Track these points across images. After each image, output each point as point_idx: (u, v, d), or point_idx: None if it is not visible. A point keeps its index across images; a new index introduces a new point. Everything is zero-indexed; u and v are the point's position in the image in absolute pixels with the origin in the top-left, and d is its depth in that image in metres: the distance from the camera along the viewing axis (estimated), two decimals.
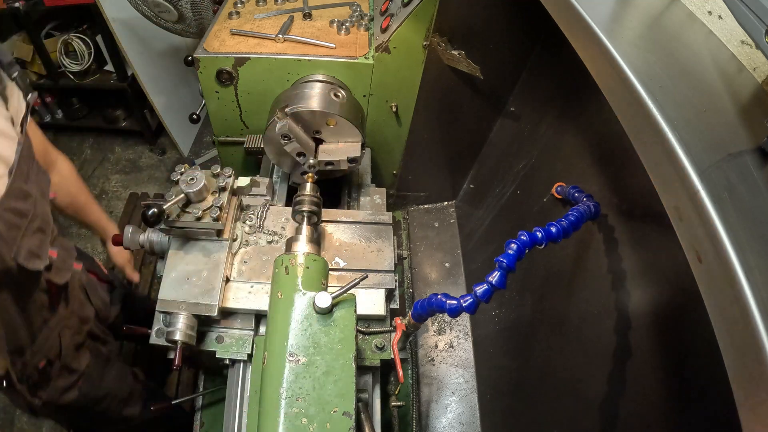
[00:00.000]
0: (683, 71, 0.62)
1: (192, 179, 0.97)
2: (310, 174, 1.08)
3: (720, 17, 0.68)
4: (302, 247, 0.91)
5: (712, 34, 0.69)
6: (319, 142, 1.18)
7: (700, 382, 0.69)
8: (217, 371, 1.27)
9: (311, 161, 1.14)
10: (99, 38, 2.52)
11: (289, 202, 1.18)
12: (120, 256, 1.42)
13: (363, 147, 1.17)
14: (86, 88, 2.71)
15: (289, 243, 0.93)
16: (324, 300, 0.75)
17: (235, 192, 1.07)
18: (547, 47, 1.25)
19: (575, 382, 1.01)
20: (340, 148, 1.15)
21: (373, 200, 1.27)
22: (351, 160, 1.16)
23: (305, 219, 0.97)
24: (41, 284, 0.99)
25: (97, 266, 1.39)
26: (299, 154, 1.16)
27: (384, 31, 1.25)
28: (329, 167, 1.19)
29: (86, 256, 1.36)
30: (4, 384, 0.99)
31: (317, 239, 0.96)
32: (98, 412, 1.26)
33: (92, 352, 1.21)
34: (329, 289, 0.82)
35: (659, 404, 0.77)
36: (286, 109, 1.10)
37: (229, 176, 1.03)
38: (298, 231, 0.95)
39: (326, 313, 0.78)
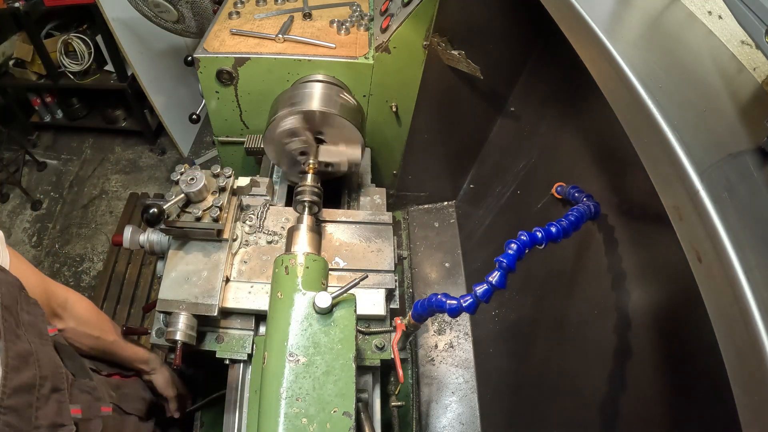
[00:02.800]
0: (683, 71, 0.62)
1: (192, 179, 0.97)
2: (311, 165, 1.08)
3: (720, 17, 0.68)
4: (302, 247, 0.91)
5: (712, 34, 0.69)
6: (320, 142, 1.18)
7: (700, 382, 0.69)
8: (217, 371, 1.27)
9: (311, 161, 1.14)
10: (99, 38, 2.53)
11: (289, 202, 1.18)
12: (163, 382, 1.18)
13: (363, 150, 1.17)
14: (86, 88, 2.72)
15: (290, 243, 0.93)
16: (324, 300, 0.75)
17: (235, 192, 1.07)
18: (547, 47, 1.25)
19: (575, 382, 1.01)
20: (341, 150, 1.15)
21: (373, 200, 1.27)
22: (351, 163, 1.17)
23: (306, 209, 0.97)
24: None
25: (119, 366, 1.17)
26: (302, 153, 1.16)
27: (384, 31, 1.25)
28: (329, 168, 1.20)
29: (107, 365, 1.12)
30: None
31: (318, 229, 0.96)
32: None
33: None
34: (329, 289, 0.82)
35: (659, 404, 0.77)
36: (295, 107, 1.10)
37: (229, 176, 1.03)
38: (299, 220, 0.95)
39: (326, 313, 0.78)
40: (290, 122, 1.11)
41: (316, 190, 1.01)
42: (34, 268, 0.90)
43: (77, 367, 0.90)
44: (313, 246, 0.95)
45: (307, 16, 1.40)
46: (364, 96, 1.34)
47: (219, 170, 1.04)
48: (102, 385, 0.97)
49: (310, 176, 1.04)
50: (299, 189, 1.01)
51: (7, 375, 0.66)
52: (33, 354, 0.73)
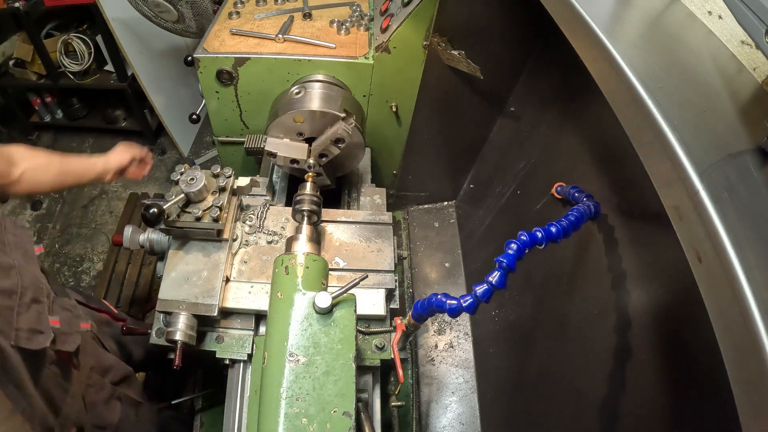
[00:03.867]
0: (683, 71, 0.62)
1: (192, 179, 0.97)
2: (310, 173, 1.08)
3: (720, 17, 0.68)
4: (302, 246, 0.91)
5: (712, 34, 0.69)
6: (310, 141, 1.18)
7: (700, 382, 0.69)
8: (217, 371, 1.27)
9: (311, 161, 1.14)
10: (99, 38, 2.52)
11: (289, 202, 1.18)
12: (115, 159, 1.25)
13: (348, 123, 1.13)
14: (86, 88, 2.71)
15: (289, 242, 0.93)
16: (324, 300, 0.75)
17: (235, 192, 1.07)
18: (547, 47, 1.25)
19: (575, 382, 1.01)
20: (327, 135, 1.14)
21: (373, 200, 1.27)
22: (337, 141, 1.13)
23: (305, 218, 0.97)
24: (50, 357, 0.89)
25: (105, 306, 1.29)
26: (292, 161, 1.16)
27: (384, 31, 1.25)
28: (324, 158, 1.17)
29: (94, 300, 1.27)
30: None
31: (317, 238, 0.96)
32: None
33: (122, 400, 1.13)
34: (329, 289, 0.82)
35: (659, 404, 0.77)
36: (265, 130, 1.14)
37: (229, 176, 1.03)
38: (298, 230, 0.95)
39: (326, 313, 0.78)
40: (267, 145, 1.15)
41: (315, 199, 0.99)
42: None
43: (59, 287, 1.04)
44: (312, 250, 0.95)
45: (307, 16, 1.40)
46: (364, 96, 1.34)
47: (219, 170, 1.04)
48: (86, 313, 1.11)
49: (309, 185, 1.02)
50: (298, 198, 0.99)
51: None
52: (15, 267, 0.84)
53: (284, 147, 1.16)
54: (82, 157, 1.19)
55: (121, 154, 1.25)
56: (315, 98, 1.16)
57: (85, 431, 1.00)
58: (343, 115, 1.10)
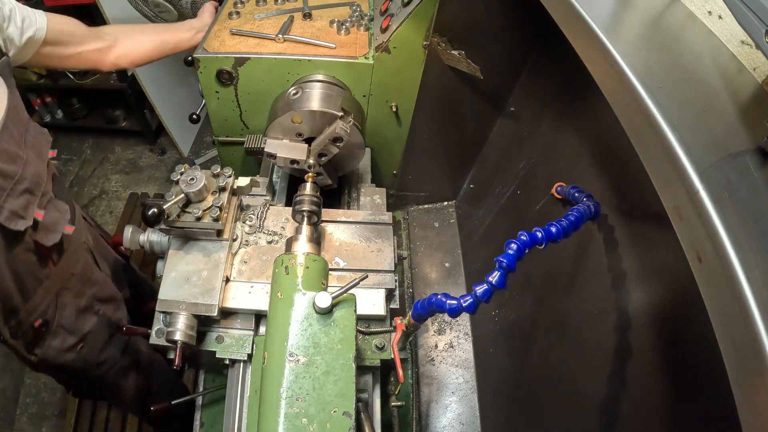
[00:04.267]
0: (683, 71, 0.62)
1: (192, 179, 0.97)
2: (310, 174, 1.08)
3: (720, 17, 0.68)
4: (302, 246, 0.91)
5: (712, 34, 0.69)
6: (310, 141, 1.18)
7: (700, 382, 0.69)
8: (217, 371, 1.27)
9: (311, 161, 1.14)
10: None
11: (289, 202, 1.18)
12: (209, 17, 1.40)
13: (346, 122, 1.13)
14: (86, 88, 2.72)
15: (289, 243, 0.93)
16: (324, 300, 0.75)
17: (235, 192, 1.07)
18: (547, 47, 1.25)
19: (575, 382, 1.01)
20: (326, 134, 1.14)
21: (373, 200, 1.27)
22: (335, 140, 1.12)
23: (305, 219, 0.97)
24: (27, 245, 0.98)
25: (107, 233, 1.40)
26: (292, 162, 1.16)
27: (384, 31, 1.25)
28: (323, 158, 1.17)
29: (95, 224, 1.37)
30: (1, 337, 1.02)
31: (317, 239, 0.96)
32: (96, 376, 1.27)
33: (99, 317, 1.21)
34: (329, 289, 0.82)
35: (659, 404, 0.77)
36: (265, 131, 1.14)
37: (229, 176, 1.03)
38: (298, 231, 0.95)
39: (326, 313, 0.78)
40: (266, 146, 1.15)
41: (315, 199, 0.99)
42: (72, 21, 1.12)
43: (63, 193, 1.15)
44: (312, 250, 0.95)
45: (307, 16, 1.40)
46: (364, 96, 1.34)
47: (219, 170, 1.04)
48: (86, 228, 1.23)
49: (309, 185, 1.02)
50: (298, 198, 0.99)
51: None
52: (22, 159, 0.93)
53: (284, 148, 1.16)
54: (174, 23, 1.33)
55: (211, 11, 1.39)
56: (312, 98, 1.16)
57: (49, 327, 1.10)
58: (341, 114, 1.10)
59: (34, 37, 1.00)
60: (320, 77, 1.26)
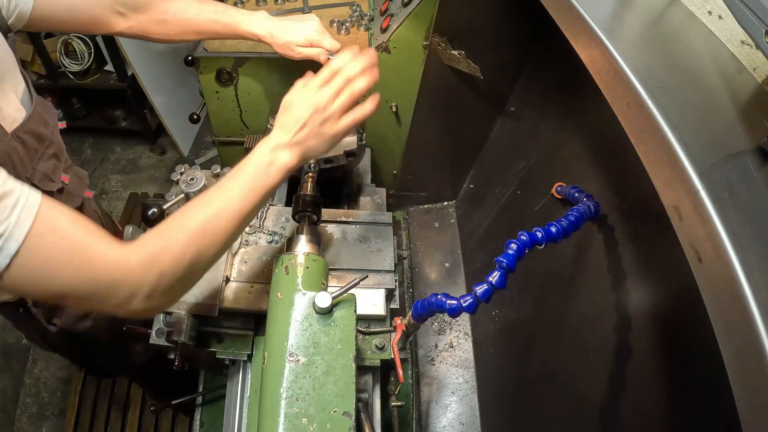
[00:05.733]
0: (683, 71, 0.62)
1: (192, 179, 0.97)
2: (310, 173, 1.08)
3: (720, 17, 0.68)
4: (302, 246, 0.91)
5: (712, 34, 0.69)
6: None
7: (700, 382, 0.69)
8: (217, 371, 1.27)
9: (311, 161, 1.14)
10: (99, 38, 2.52)
11: (289, 202, 1.18)
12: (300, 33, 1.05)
13: (361, 140, 1.14)
14: (86, 88, 2.71)
15: (289, 243, 0.93)
16: (324, 300, 0.75)
17: None
18: (547, 47, 1.25)
19: (575, 382, 1.01)
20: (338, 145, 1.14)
21: (373, 200, 1.27)
22: (348, 154, 1.14)
23: (305, 219, 0.97)
24: None
25: (117, 228, 1.45)
26: None
27: (384, 31, 1.25)
28: (329, 165, 1.18)
29: (107, 216, 1.42)
30: (21, 310, 1.03)
31: (317, 239, 0.96)
32: (108, 345, 1.29)
33: None
34: (329, 289, 0.82)
35: (659, 404, 0.77)
36: (272, 115, 1.11)
37: None
38: (298, 231, 0.95)
39: (326, 313, 0.78)
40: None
41: (315, 199, 0.98)
42: None
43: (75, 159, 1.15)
44: (312, 250, 0.95)
45: None
46: (364, 96, 1.34)
47: (219, 170, 1.04)
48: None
49: (309, 185, 1.02)
50: (298, 198, 1.00)
51: (29, 121, 0.86)
52: (50, 124, 0.95)
53: None
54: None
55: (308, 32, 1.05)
56: None
57: None
58: (362, 130, 1.11)
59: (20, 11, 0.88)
60: None
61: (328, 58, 1.02)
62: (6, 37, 0.87)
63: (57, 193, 1.00)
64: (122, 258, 0.61)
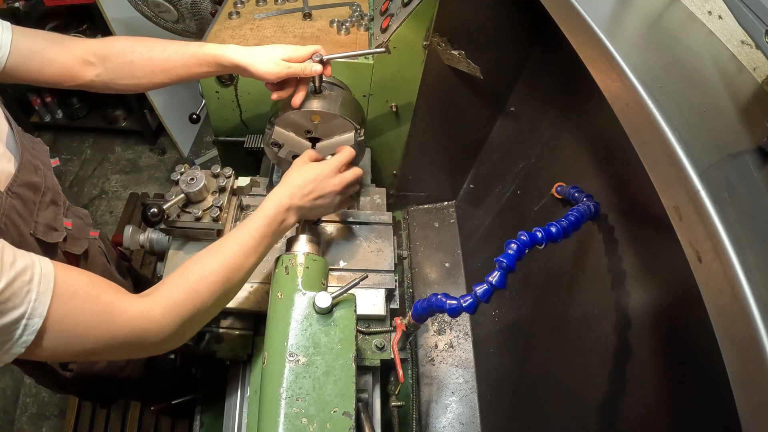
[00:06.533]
0: (683, 71, 0.62)
1: (192, 179, 0.97)
2: None
3: (720, 17, 0.68)
4: (302, 246, 0.91)
5: (712, 34, 0.69)
6: (315, 141, 1.18)
7: (700, 382, 0.69)
8: (217, 371, 1.27)
9: None
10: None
11: None
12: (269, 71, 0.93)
13: (359, 136, 1.13)
14: None
15: (289, 243, 0.93)
16: (324, 300, 0.75)
17: (235, 192, 1.07)
18: (547, 47, 1.25)
19: (575, 382, 1.01)
20: (334, 142, 1.14)
21: (373, 200, 1.27)
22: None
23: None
24: (59, 257, 0.96)
25: (106, 238, 1.39)
26: (294, 157, 1.16)
27: (384, 31, 1.25)
28: None
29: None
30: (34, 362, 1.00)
31: (317, 239, 0.96)
32: (123, 378, 1.27)
33: None
34: (329, 289, 0.82)
35: (659, 404, 0.77)
36: (272, 118, 1.11)
37: (229, 176, 1.03)
38: (298, 231, 0.95)
39: (326, 313, 0.78)
40: (274, 134, 1.11)
41: None
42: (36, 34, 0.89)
43: (72, 198, 1.09)
44: (312, 250, 0.95)
45: (307, 16, 1.40)
46: (364, 96, 1.34)
47: (219, 170, 1.04)
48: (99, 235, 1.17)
49: None
50: None
51: (20, 172, 0.81)
52: (41, 169, 0.89)
53: (290, 140, 1.15)
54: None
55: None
56: (337, 102, 1.14)
57: None
58: (358, 127, 1.11)
59: None
60: (330, 79, 1.25)
61: (321, 61, 0.96)
62: None
63: (62, 243, 0.95)
64: (146, 310, 0.64)
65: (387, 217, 1.15)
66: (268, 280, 1.00)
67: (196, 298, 0.68)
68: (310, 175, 0.88)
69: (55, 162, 0.98)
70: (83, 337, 0.59)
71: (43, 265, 0.57)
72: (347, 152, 0.99)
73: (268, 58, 0.92)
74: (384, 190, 1.30)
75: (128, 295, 0.64)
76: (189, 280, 0.69)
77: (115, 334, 0.61)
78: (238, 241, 0.76)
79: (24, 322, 0.53)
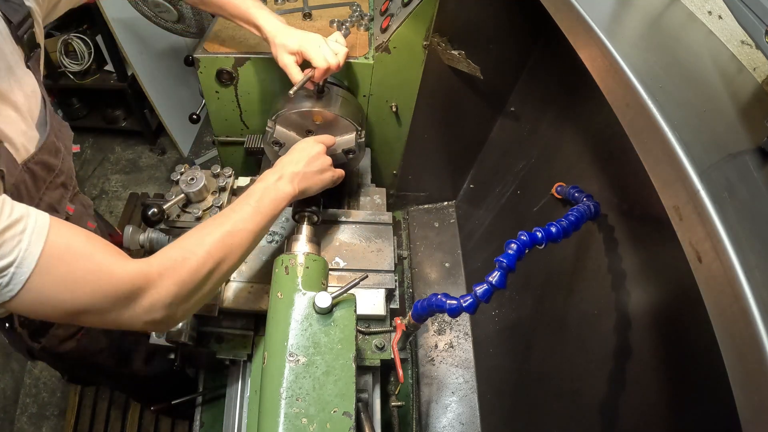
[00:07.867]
0: (683, 71, 0.62)
1: (192, 179, 0.97)
2: None
3: (720, 17, 0.68)
4: (302, 246, 0.91)
5: (712, 34, 0.69)
6: None
7: (700, 382, 0.69)
8: (217, 371, 1.27)
9: None
10: (99, 38, 2.52)
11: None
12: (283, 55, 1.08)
13: (360, 137, 1.14)
14: (86, 88, 2.71)
15: (289, 242, 0.93)
16: (324, 300, 0.75)
17: (235, 192, 1.07)
18: (547, 47, 1.25)
19: (575, 382, 1.01)
20: (337, 141, 1.14)
21: (373, 200, 1.27)
22: (347, 152, 1.14)
23: (305, 219, 0.97)
24: None
25: (114, 231, 1.39)
26: None
27: (384, 31, 1.25)
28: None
29: (103, 220, 1.37)
30: (6, 325, 1.02)
31: (317, 239, 0.96)
32: (94, 364, 1.27)
33: None
34: (329, 289, 0.82)
35: (659, 404, 0.77)
36: (273, 117, 1.11)
37: (229, 176, 1.03)
38: (298, 231, 0.95)
39: (326, 313, 0.78)
40: (275, 133, 1.11)
41: (315, 200, 0.99)
42: None
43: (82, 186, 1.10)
44: (312, 250, 0.95)
45: (307, 16, 1.40)
46: (364, 96, 1.34)
47: (219, 170, 1.04)
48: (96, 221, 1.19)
49: None
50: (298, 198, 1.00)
51: (40, 151, 0.83)
52: (62, 152, 0.91)
53: (291, 140, 1.15)
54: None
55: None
56: (337, 103, 1.14)
57: None
58: (359, 128, 1.11)
59: None
60: (334, 80, 1.25)
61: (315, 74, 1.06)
62: (29, 59, 0.83)
63: None
64: (143, 268, 0.63)
65: (387, 217, 1.15)
66: (268, 280, 1.00)
67: (194, 259, 0.67)
68: (297, 148, 0.95)
69: (76, 148, 1.02)
70: (73, 292, 0.58)
71: (38, 218, 0.57)
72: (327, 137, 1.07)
73: (284, 43, 1.05)
74: (384, 190, 1.30)
75: (125, 256, 0.63)
76: (186, 244, 0.69)
77: (107, 291, 0.60)
78: (235, 208, 0.78)
79: (12, 270, 0.53)
